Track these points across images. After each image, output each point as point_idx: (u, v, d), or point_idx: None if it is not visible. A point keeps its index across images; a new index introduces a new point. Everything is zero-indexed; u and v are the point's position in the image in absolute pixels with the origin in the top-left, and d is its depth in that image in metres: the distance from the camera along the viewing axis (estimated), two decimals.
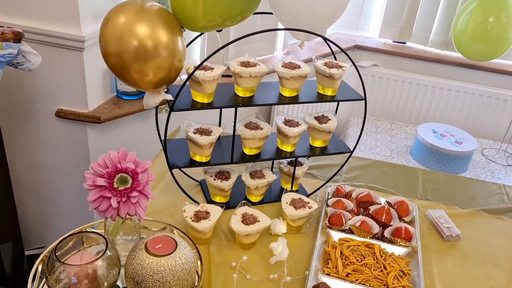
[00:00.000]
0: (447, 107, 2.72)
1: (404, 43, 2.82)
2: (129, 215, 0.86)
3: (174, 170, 1.12)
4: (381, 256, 1.02)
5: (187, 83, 1.03)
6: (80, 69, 1.54)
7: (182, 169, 1.28)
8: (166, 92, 1.05)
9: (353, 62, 1.15)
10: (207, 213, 1.07)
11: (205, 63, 1.08)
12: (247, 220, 1.05)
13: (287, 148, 1.20)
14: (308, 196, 1.28)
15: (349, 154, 1.26)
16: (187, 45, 1.06)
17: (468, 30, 2.16)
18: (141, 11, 0.94)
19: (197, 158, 1.13)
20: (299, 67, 1.13)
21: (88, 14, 1.49)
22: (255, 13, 1.06)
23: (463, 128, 2.59)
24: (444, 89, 2.69)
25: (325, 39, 1.11)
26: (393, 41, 2.83)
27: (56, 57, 1.52)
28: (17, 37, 1.23)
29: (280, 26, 1.10)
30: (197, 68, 1.03)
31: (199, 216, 1.05)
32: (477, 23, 2.14)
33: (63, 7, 1.44)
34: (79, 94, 1.59)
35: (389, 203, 1.22)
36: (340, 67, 1.15)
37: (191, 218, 1.05)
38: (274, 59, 2.37)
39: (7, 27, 1.27)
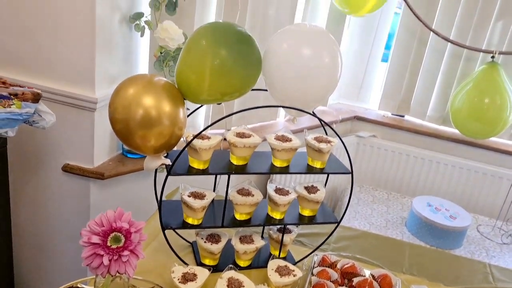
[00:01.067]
0: (443, 181, 2.78)
1: (403, 116, 2.94)
2: (118, 273, 0.91)
3: (167, 230, 1.18)
4: None
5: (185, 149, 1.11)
6: (90, 128, 1.64)
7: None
8: (165, 156, 1.13)
9: (340, 138, 1.22)
10: (195, 275, 1.11)
11: (203, 132, 1.17)
12: (232, 285, 1.09)
13: (277, 215, 1.26)
14: (295, 263, 1.31)
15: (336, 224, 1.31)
16: (189, 115, 1.16)
17: (465, 108, 2.27)
18: (149, 84, 1.05)
19: (190, 221, 1.19)
20: (290, 140, 1.22)
21: (103, 78, 1.62)
22: (252, 90, 1.16)
23: (459, 202, 2.63)
24: (440, 163, 2.76)
25: (315, 116, 1.19)
26: (392, 114, 2.94)
27: (69, 115, 1.63)
28: (36, 98, 1.35)
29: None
30: (195, 137, 1.12)
31: (187, 278, 1.09)
32: (473, 103, 2.25)
33: (82, 71, 1.57)
34: (86, 150, 1.68)
35: (373, 276, 1.25)
36: (329, 142, 1.23)
37: (178, 279, 1.09)
38: (276, 125, 2.48)
39: (28, 88, 1.39)
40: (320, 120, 1.22)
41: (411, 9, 2.38)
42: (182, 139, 1.10)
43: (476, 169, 2.71)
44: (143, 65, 1.82)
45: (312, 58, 1.09)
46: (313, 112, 1.17)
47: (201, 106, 1.25)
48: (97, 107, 1.60)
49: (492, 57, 2.26)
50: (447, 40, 2.44)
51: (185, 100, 1.10)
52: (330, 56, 1.11)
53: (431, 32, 2.48)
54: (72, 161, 1.70)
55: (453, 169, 2.75)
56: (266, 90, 1.20)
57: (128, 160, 1.81)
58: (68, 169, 1.69)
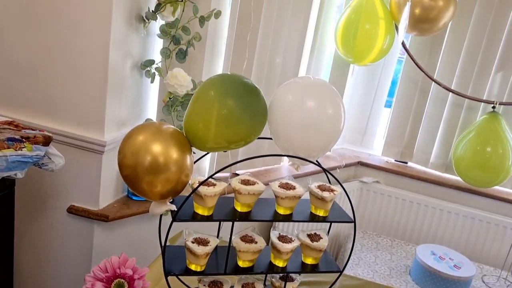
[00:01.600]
0: (447, 229, 2.76)
1: (406, 162, 2.96)
2: None
3: (170, 276, 1.18)
4: None
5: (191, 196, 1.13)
6: (97, 170, 1.67)
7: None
8: (171, 202, 1.15)
9: (342, 187, 1.24)
10: None
11: (209, 180, 1.19)
12: None
13: (279, 263, 1.26)
14: None
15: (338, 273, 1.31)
16: (195, 162, 1.19)
17: (467, 157, 2.30)
18: (158, 132, 1.08)
19: (193, 267, 1.19)
20: (294, 188, 1.24)
21: (112, 122, 1.66)
22: (258, 138, 1.19)
23: (463, 251, 2.60)
24: (444, 211, 2.75)
25: (319, 165, 1.22)
26: (395, 160, 2.96)
27: (77, 157, 1.66)
28: (47, 141, 1.38)
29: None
30: (200, 184, 1.14)
31: None
32: (475, 151, 2.28)
33: (92, 114, 1.62)
34: (92, 192, 1.70)
35: None
36: (332, 190, 1.25)
37: None
38: (280, 169, 2.51)
39: (39, 130, 1.43)
40: (324, 169, 1.25)
41: (412, 59, 2.45)
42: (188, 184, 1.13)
43: (480, 217, 2.70)
44: (152, 110, 1.88)
45: (316, 109, 1.13)
46: (317, 161, 1.20)
47: (208, 153, 1.28)
48: (105, 150, 1.64)
49: (493, 107, 2.31)
50: (449, 90, 2.49)
51: (192, 147, 1.13)
52: (333, 107, 1.15)
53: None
54: (78, 202, 1.72)
55: (457, 217, 2.73)
56: (271, 139, 1.23)
57: (133, 203, 1.82)
58: (73, 211, 1.71)
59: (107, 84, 1.58)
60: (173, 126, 1.13)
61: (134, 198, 1.85)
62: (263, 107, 1.14)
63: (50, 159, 1.41)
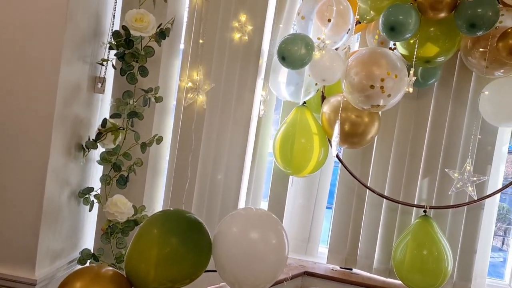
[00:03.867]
0: None
1: (351, 269, 2.97)
2: None
3: None
4: None
5: None
6: None
7: None
8: None
9: None
10: None
11: None
12: None
13: None
14: None
15: None
16: None
17: (407, 260, 2.36)
18: (97, 277, 1.03)
19: None
20: None
21: (45, 256, 1.56)
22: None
23: None
24: None
25: None
26: (340, 267, 2.97)
27: None
28: None
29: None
30: None
31: None
32: (413, 255, 2.36)
33: (23, 250, 1.52)
34: None
35: None
36: None
37: None
38: None
39: None
40: None
41: (347, 169, 2.60)
42: None
43: None
44: (89, 239, 1.79)
45: (260, 241, 1.14)
46: None
47: None
48: None
49: (424, 211, 2.45)
50: (382, 196, 2.63)
51: None
52: (277, 237, 1.17)
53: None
54: None
55: None
56: (215, 271, 1.20)
57: None
58: None
59: (41, 216, 1.51)
60: (112, 269, 1.08)
61: None
62: (207, 242, 1.13)
63: None
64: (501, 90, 2.29)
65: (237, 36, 2.15)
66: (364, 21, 2.36)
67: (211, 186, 2.24)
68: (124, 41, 1.59)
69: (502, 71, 2.16)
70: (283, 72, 2.34)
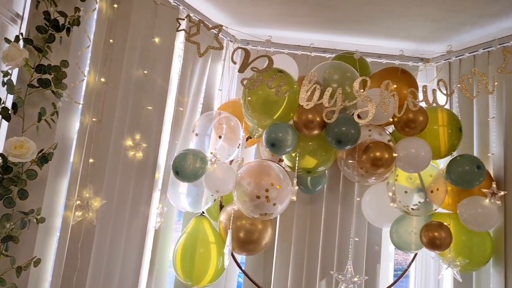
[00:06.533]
0: None
1: None
2: None
3: None
4: None
5: None
6: None
7: None
8: None
9: None
10: None
11: None
12: None
13: None
14: None
15: None
16: None
17: None
18: None
19: None
20: None
21: None
22: None
23: None
24: None
25: None
26: None
27: None
28: None
29: None
30: None
31: None
32: None
33: None
34: None
35: None
36: None
37: None
38: None
39: None
40: None
41: (251, 280, 2.63)
42: None
43: None
44: None
45: None
46: None
47: None
48: None
49: None
50: None
51: None
52: None
53: None
54: None
55: None
56: None
57: None
58: None
59: None
60: None
61: None
62: None
63: None
64: (377, 195, 2.53)
65: (131, 153, 2.26)
66: (255, 136, 2.58)
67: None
68: (1, 167, 1.62)
69: (373, 178, 2.42)
70: (183, 184, 2.43)
